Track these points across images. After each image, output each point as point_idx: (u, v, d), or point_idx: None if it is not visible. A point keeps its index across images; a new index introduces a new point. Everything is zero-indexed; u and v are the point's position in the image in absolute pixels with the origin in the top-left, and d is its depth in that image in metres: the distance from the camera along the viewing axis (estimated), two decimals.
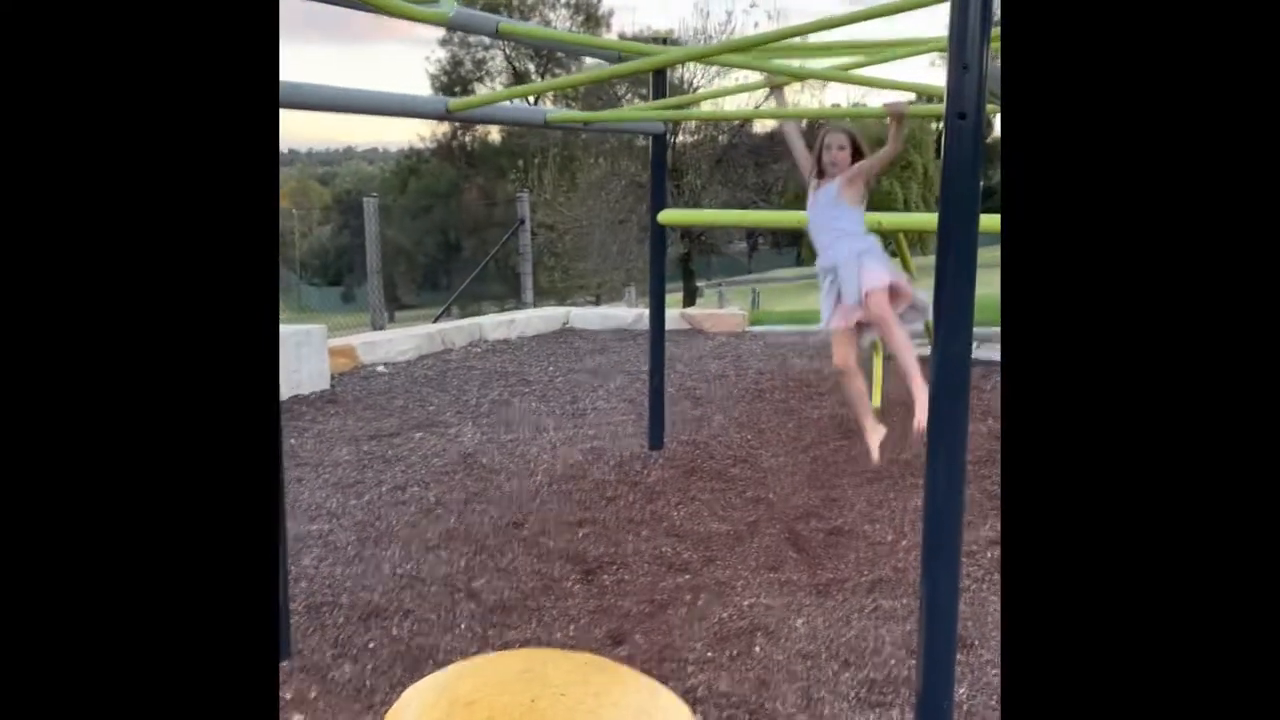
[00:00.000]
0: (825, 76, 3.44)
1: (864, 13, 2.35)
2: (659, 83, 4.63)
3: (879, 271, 3.42)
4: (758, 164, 20.65)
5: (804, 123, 4.06)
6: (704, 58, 3.52)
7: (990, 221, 3.82)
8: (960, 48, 1.79)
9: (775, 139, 21.65)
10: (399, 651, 2.85)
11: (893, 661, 2.76)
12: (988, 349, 6.19)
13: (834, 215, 3.51)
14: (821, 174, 3.53)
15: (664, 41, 4.84)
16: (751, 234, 33.55)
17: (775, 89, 3.74)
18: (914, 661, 2.76)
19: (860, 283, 3.39)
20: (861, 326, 3.54)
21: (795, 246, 37.58)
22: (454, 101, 3.21)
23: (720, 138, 18.92)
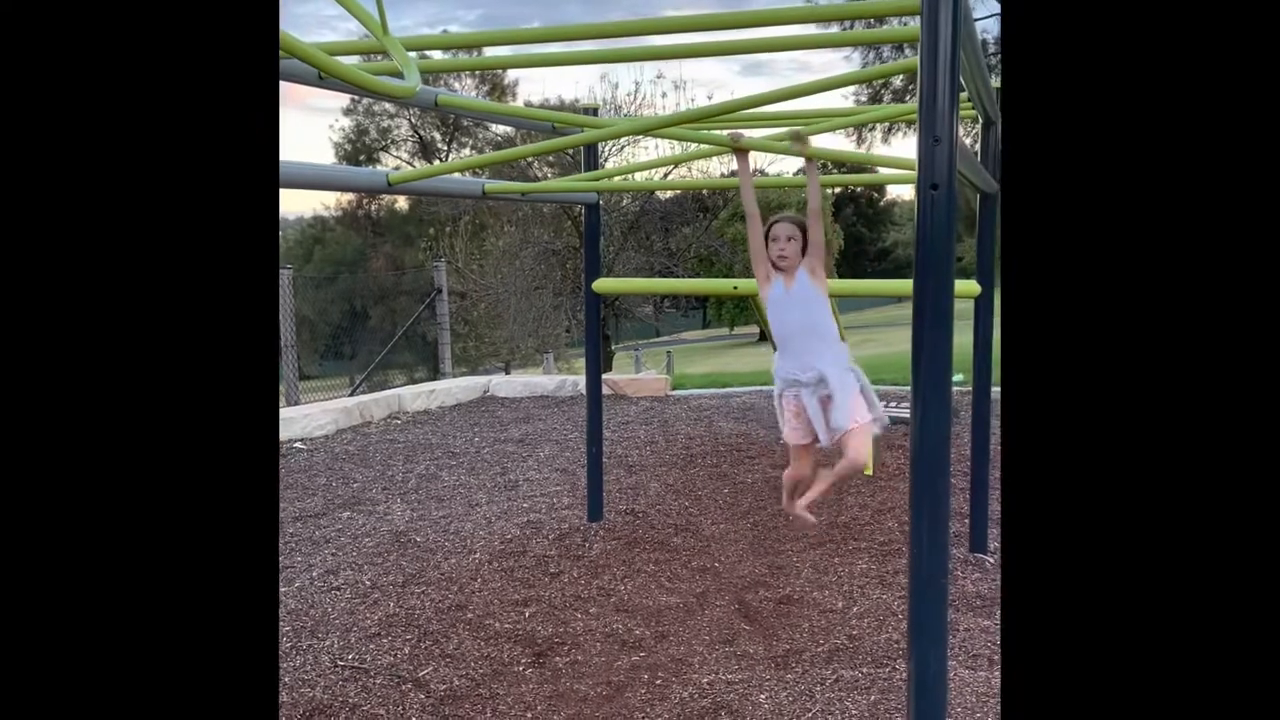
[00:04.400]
0: (770, 149, 3.48)
1: (817, 84, 2.39)
2: (590, 154, 4.65)
3: (866, 399, 2.94)
4: (666, 230, 20.88)
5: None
6: (651, 130, 3.54)
7: (898, 286, 3.82)
8: (930, 120, 1.82)
9: (683, 204, 21.98)
10: None
11: None
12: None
13: (811, 313, 2.97)
14: (777, 267, 3.02)
15: (594, 113, 4.85)
16: (659, 297, 33.78)
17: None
18: None
19: (850, 411, 2.88)
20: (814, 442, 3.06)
21: (700, 309, 38.02)
22: (394, 175, 3.14)
23: (632, 204, 19.11)
